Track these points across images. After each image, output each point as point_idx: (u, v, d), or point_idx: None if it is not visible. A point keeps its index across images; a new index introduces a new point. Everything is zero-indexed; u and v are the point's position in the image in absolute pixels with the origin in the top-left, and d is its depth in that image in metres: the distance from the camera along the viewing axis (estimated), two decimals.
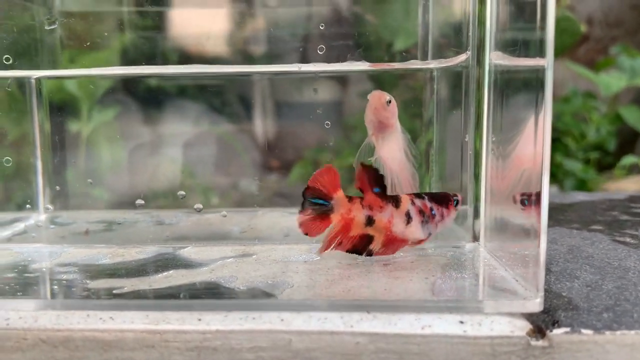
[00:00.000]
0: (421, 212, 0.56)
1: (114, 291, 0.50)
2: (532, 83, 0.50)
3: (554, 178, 1.76)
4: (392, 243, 0.55)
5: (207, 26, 0.73)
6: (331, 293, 0.49)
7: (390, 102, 0.61)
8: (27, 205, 0.72)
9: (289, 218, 0.74)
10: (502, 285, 0.50)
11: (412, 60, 0.64)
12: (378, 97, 0.61)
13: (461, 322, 0.45)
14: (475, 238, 0.63)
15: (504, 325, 0.45)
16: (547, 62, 0.47)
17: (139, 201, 0.68)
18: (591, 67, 2.31)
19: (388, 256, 0.57)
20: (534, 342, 0.43)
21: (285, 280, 0.52)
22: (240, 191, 0.80)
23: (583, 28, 2.28)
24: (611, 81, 1.95)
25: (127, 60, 0.72)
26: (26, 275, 0.55)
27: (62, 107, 0.77)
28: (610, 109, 1.98)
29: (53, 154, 0.75)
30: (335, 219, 0.54)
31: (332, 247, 0.55)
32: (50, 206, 0.72)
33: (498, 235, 0.59)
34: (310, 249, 0.61)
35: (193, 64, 0.67)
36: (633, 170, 1.63)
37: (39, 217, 0.75)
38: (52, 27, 0.65)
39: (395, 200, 0.55)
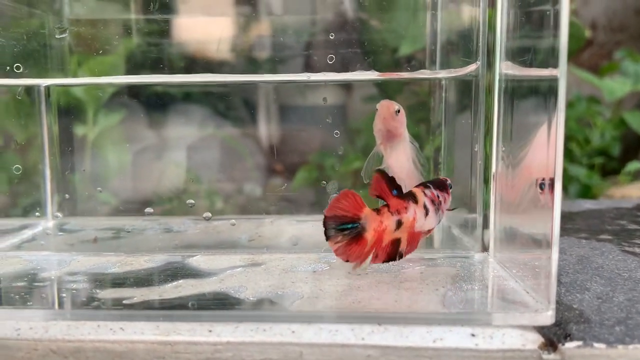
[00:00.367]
0: (433, 201, 0.56)
1: (124, 301, 0.50)
2: (542, 93, 0.50)
3: None
4: (414, 239, 0.55)
5: (214, 33, 0.73)
6: (341, 304, 0.49)
7: (399, 111, 0.61)
8: (37, 213, 0.72)
9: (297, 226, 0.74)
10: (512, 297, 0.50)
11: (421, 70, 0.64)
12: (387, 106, 0.61)
13: (472, 335, 0.45)
14: (485, 248, 0.63)
15: (515, 338, 0.44)
16: (560, 71, 0.47)
17: (148, 209, 0.68)
18: (595, 72, 2.30)
19: (397, 266, 0.57)
20: (545, 356, 0.43)
21: (295, 291, 0.52)
22: (246, 195, 0.80)
23: (587, 33, 2.28)
24: (615, 86, 1.94)
25: (133, 64, 0.72)
26: (36, 284, 0.55)
27: (68, 111, 0.77)
28: (615, 114, 1.97)
29: (61, 159, 0.75)
30: (370, 235, 0.53)
31: (368, 262, 0.54)
32: (59, 214, 0.72)
33: (508, 246, 0.59)
34: (319, 259, 0.61)
35: (200, 73, 0.67)
36: (638, 176, 1.62)
37: (47, 223, 0.75)
38: (63, 35, 0.66)
39: (413, 197, 0.55)
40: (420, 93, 0.74)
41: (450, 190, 0.58)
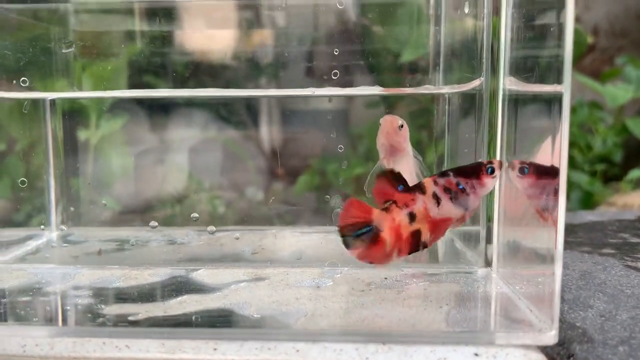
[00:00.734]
0: (446, 189, 0.55)
1: (129, 318, 0.50)
2: (546, 107, 0.50)
3: None
4: (437, 227, 0.55)
5: (218, 43, 0.73)
6: (345, 322, 0.49)
7: (402, 126, 0.62)
8: (42, 226, 0.72)
9: (301, 238, 0.74)
10: (516, 315, 0.50)
11: (425, 85, 0.65)
12: (390, 121, 0.61)
13: (476, 355, 0.45)
14: (488, 263, 0.63)
15: (518, 358, 0.45)
16: (564, 87, 0.47)
17: (153, 223, 0.68)
18: (597, 77, 2.30)
19: (401, 282, 0.58)
20: None
21: (300, 308, 0.52)
22: (248, 200, 0.80)
23: (589, 39, 2.29)
24: (618, 93, 1.94)
25: (135, 69, 0.72)
26: (41, 299, 0.56)
27: (72, 116, 0.77)
28: (617, 120, 1.97)
29: (65, 167, 0.76)
30: (386, 234, 0.54)
31: (391, 258, 0.55)
32: (64, 227, 0.73)
33: (511, 261, 0.59)
34: (322, 273, 0.61)
35: (203, 78, 0.68)
36: (639, 185, 1.63)
37: (52, 234, 0.76)
38: (69, 50, 0.66)
39: (420, 188, 0.55)
40: (423, 100, 0.75)
41: (492, 175, 0.56)
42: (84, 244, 0.73)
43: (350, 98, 0.78)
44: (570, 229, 0.80)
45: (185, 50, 0.73)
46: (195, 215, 0.70)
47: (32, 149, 0.75)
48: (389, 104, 0.75)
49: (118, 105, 0.78)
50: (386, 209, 0.54)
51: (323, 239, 0.73)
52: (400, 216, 0.54)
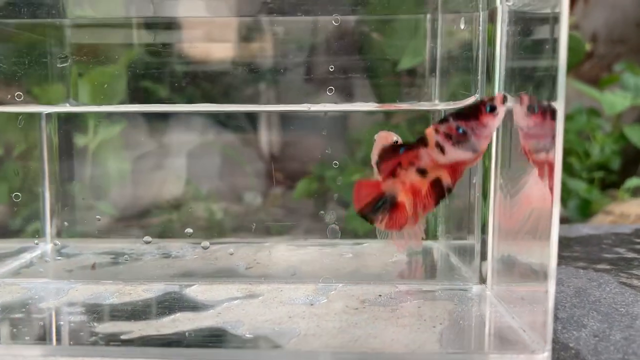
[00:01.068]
0: (448, 136, 0.54)
1: (122, 336, 0.50)
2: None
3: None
4: (454, 170, 0.55)
5: (217, 53, 0.73)
6: (339, 343, 0.49)
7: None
8: (35, 242, 0.72)
9: (295, 252, 0.74)
10: (509, 335, 0.50)
11: (420, 102, 0.65)
12: (385, 137, 0.61)
13: None
14: (483, 279, 0.63)
15: None
16: (558, 108, 0.47)
17: (147, 238, 0.68)
18: (595, 84, 2.31)
19: (396, 300, 0.58)
20: None
21: (292, 327, 0.52)
22: (245, 206, 0.80)
23: (588, 46, 2.29)
24: (616, 100, 1.95)
25: (134, 73, 0.72)
26: (34, 316, 0.56)
27: (68, 122, 0.77)
28: (614, 127, 1.98)
29: (60, 173, 0.75)
30: (403, 198, 0.54)
31: (421, 216, 0.55)
32: (57, 242, 0.73)
33: (505, 278, 0.59)
34: (316, 290, 0.61)
35: (203, 103, 0.68)
36: (637, 192, 1.63)
37: (46, 246, 0.76)
38: (64, 64, 0.66)
39: (423, 141, 0.54)
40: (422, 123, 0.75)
41: (493, 113, 0.54)
42: (78, 257, 0.73)
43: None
44: (565, 243, 0.80)
45: (184, 60, 0.73)
46: (189, 230, 0.70)
47: (27, 155, 0.75)
48: (387, 112, 0.75)
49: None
50: (393, 175, 0.54)
51: (318, 252, 0.73)
52: (408, 177, 0.54)
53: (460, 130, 0.54)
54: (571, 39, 1.86)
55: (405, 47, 0.69)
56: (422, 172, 0.54)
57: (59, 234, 0.77)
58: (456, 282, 0.63)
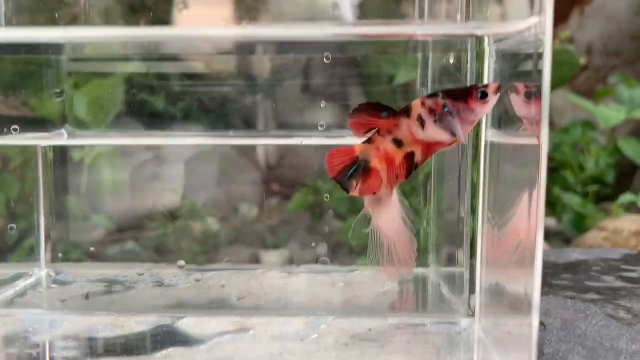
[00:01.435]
0: (432, 111, 0.52)
1: None
2: (527, 158, 0.51)
3: (553, 211, 1.77)
4: (429, 148, 0.54)
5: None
6: None
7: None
8: (30, 273, 0.73)
9: (288, 280, 0.75)
10: None
11: None
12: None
13: None
14: (472, 312, 0.64)
15: None
16: (542, 140, 0.48)
17: (140, 272, 0.69)
18: (590, 96, 2.32)
19: (386, 334, 0.58)
20: None
21: None
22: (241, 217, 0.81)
23: (583, 60, 2.31)
24: (610, 114, 1.96)
25: (132, 85, 0.73)
26: (28, 351, 0.56)
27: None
28: (609, 140, 1.99)
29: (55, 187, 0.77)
30: (376, 164, 0.53)
31: (395, 186, 0.55)
32: (52, 273, 0.73)
33: (493, 311, 0.60)
34: (307, 324, 0.62)
35: (198, 132, 0.69)
36: (631, 208, 1.64)
37: (40, 273, 0.76)
38: (60, 99, 0.67)
39: (406, 111, 0.53)
40: None
41: (483, 100, 0.52)
42: (72, 285, 0.74)
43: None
44: (554, 271, 0.81)
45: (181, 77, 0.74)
46: (182, 263, 0.71)
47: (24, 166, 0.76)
48: None
49: (116, 122, 0.78)
50: (369, 141, 0.53)
51: (311, 280, 0.74)
52: (384, 144, 0.53)
53: (446, 109, 0.52)
54: (566, 53, 1.88)
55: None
56: (398, 143, 0.53)
57: (54, 259, 0.78)
58: (446, 314, 0.64)
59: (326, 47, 0.64)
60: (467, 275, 0.66)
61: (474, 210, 0.65)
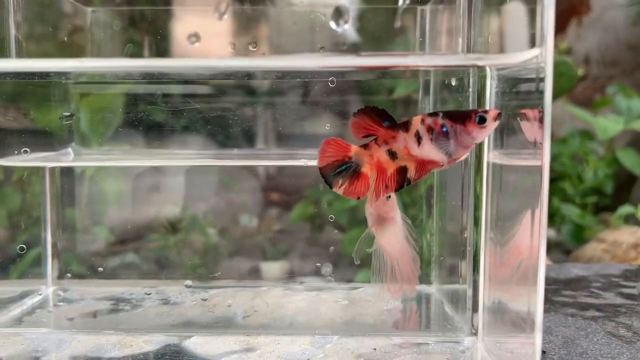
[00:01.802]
0: (430, 129, 0.53)
1: None
2: (529, 177, 0.52)
3: (552, 222, 1.78)
4: (422, 166, 0.54)
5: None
6: None
7: (389, 196, 0.63)
8: (40, 293, 0.74)
9: (293, 298, 0.76)
10: None
11: None
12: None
13: None
14: (475, 331, 0.65)
15: None
16: (544, 162, 0.49)
17: (146, 290, 0.70)
18: (588, 106, 2.34)
19: (390, 354, 0.59)
20: None
21: None
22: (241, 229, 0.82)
23: (580, 70, 2.33)
24: (608, 125, 1.97)
25: (133, 97, 0.74)
26: None
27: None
28: (607, 150, 2.00)
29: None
30: (367, 169, 0.54)
31: (381, 195, 0.55)
32: (61, 292, 0.74)
33: (495, 329, 0.61)
34: (313, 342, 0.63)
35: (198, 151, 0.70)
36: (629, 220, 1.65)
37: (47, 290, 0.77)
38: (69, 122, 0.68)
39: (405, 125, 0.54)
40: None
41: (481, 125, 0.53)
42: (79, 303, 0.75)
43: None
44: (555, 287, 0.82)
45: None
46: (189, 282, 0.71)
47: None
48: None
49: (117, 135, 0.79)
50: (365, 146, 0.53)
51: (314, 302, 0.75)
52: (378, 153, 0.53)
53: (444, 129, 0.53)
54: (563, 64, 1.89)
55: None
56: (393, 155, 0.54)
57: (61, 276, 0.79)
58: (449, 333, 0.65)
59: (330, 72, 0.65)
60: (469, 293, 0.67)
61: (476, 222, 0.66)
